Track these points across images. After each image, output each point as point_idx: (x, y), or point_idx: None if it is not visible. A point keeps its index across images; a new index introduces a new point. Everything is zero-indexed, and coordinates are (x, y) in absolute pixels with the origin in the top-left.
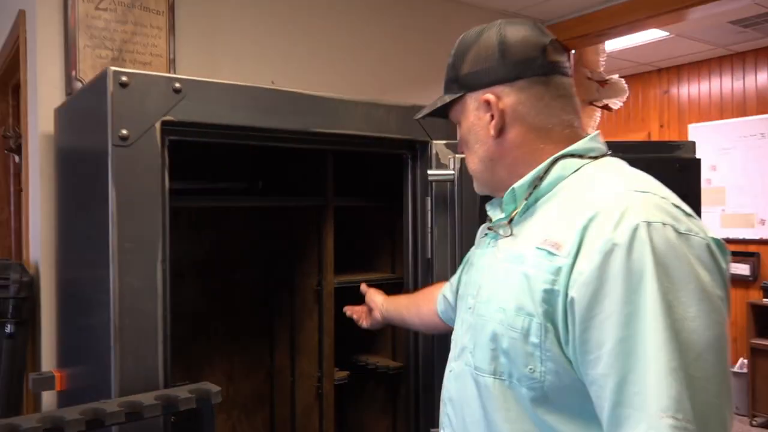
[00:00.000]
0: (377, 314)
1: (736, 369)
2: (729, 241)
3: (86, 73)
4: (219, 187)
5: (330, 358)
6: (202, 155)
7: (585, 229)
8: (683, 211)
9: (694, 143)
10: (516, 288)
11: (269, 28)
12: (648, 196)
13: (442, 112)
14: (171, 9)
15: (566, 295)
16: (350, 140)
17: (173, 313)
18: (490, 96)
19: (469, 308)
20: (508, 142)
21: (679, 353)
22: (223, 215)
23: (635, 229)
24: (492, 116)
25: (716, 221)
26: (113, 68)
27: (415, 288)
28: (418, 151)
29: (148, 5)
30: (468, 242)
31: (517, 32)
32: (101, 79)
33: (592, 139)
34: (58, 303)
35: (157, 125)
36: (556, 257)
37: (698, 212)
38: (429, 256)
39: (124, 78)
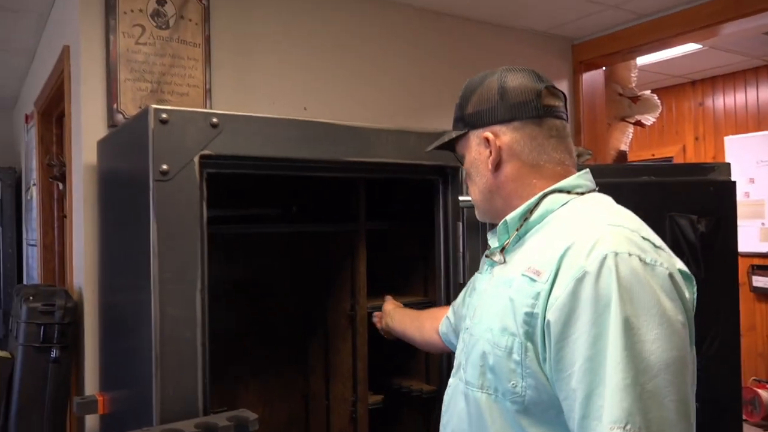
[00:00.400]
0: (383, 322)
1: None
2: None
3: (127, 105)
4: (253, 213)
5: (364, 382)
6: (237, 182)
7: (561, 258)
8: (651, 243)
9: (729, 165)
10: (502, 310)
11: (301, 56)
12: (619, 229)
13: (451, 146)
14: (207, 41)
15: (544, 317)
16: (383, 168)
17: (210, 336)
18: (489, 134)
19: (467, 329)
20: (503, 175)
21: (635, 371)
22: (257, 240)
23: (604, 259)
24: (490, 152)
25: (755, 235)
26: (154, 106)
27: None
28: (449, 177)
29: (185, 38)
30: None
31: (515, 78)
32: (142, 115)
33: (579, 177)
34: (101, 328)
35: (196, 159)
36: (536, 283)
37: (734, 232)
38: (461, 280)
39: (164, 115)
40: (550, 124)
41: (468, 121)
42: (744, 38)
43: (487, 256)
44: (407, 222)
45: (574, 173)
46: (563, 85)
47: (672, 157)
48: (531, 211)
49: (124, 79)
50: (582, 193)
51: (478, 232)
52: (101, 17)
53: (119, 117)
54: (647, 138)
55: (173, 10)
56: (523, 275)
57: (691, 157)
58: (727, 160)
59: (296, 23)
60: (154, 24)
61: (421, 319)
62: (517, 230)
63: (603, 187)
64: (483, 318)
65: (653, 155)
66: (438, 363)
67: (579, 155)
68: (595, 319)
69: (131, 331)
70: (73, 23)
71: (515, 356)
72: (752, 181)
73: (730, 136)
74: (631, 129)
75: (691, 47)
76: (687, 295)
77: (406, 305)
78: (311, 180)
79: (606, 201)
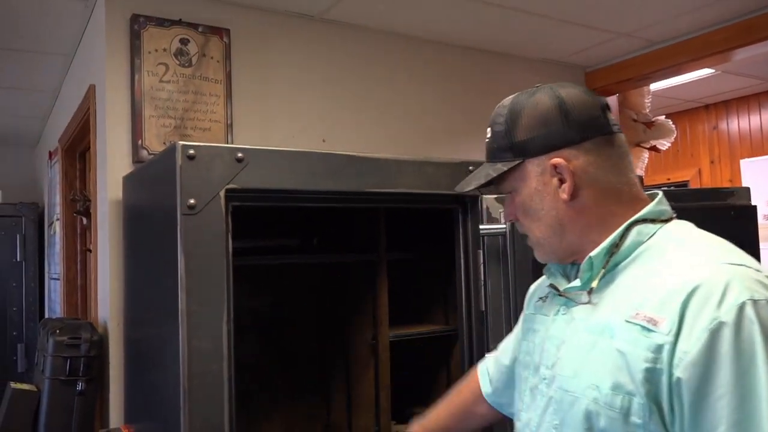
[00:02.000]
0: None
1: None
2: None
3: (151, 141)
4: (275, 244)
5: (387, 412)
6: (260, 214)
7: (684, 305)
8: None
9: (748, 189)
10: (610, 364)
11: (318, 90)
12: (743, 269)
13: (488, 183)
14: (228, 77)
15: (671, 374)
16: (403, 197)
17: (234, 366)
18: (558, 160)
19: (545, 379)
20: (580, 205)
21: None
22: (280, 271)
23: (741, 308)
24: (561, 180)
25: None
26: (181, 142)
27: (470, 340)
28: (468, 206)
29: (207, 75)
30: (522, 295)
31: (572, 93)
32: (170, 151)
33: (659, 202)
34: (126, 360)
35: (222, 193)
36: (654, 334)
37: (758, 256)
38: (483, 308)
39: (191, 151)
40: (619, 140)
41: (521, 149)
42: (756, 62)
43: (560, 295)
44: (428, 251)
45: (643, 195)
46: None
47: (688, 181)
48: (617, 244)
49: (148, 116)
50: (666, 220)
51: (499, 260)
52: (126, 57)
53: (144, 153)
54: (662, 162)
55: (196, 48)
56: (629, 322)
57: (707, 181)
58: (744, 182)
59: (313, 58)
60: (178, 62)
61: (459, 405)
62: (604, 267)
63: None
64: (580, 372)
65: (668, 179)
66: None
67: None
68: (739, 377)
69: (158, 363)
70: (98, 63)
71: (635, 419)
72: None
73: (747, 159)
74: (646, 154)
75: (703, 72)
76: None
77: (428, 335)
78: (332, 211)
79: (695, 229)
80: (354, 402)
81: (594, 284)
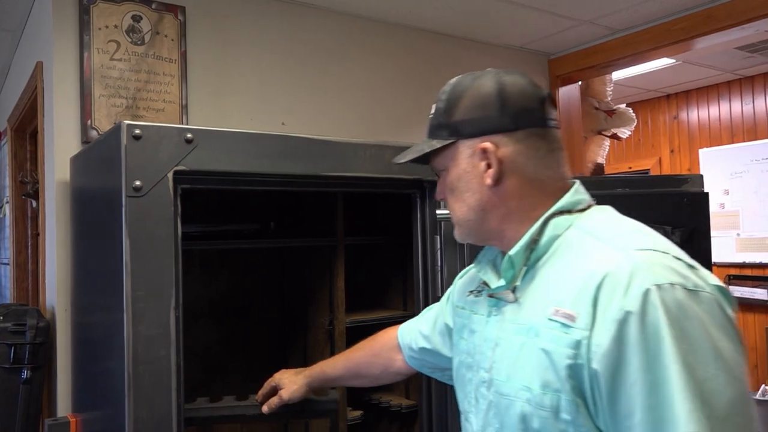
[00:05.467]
0: (285, 396)
1: (758, 396)
2: (744, 265)
3: (101, 121)
4: (231, 228)
5: (343, 398)
6: (215, 198)
7: (595, 298)
8: (686, 263)
9: (701, 177)
10: (537, 365)
11: (278, 72)
12: (650, 254)
13: (425, 158)
14: (183, 57)
15: (589, 368)
16: (360, 182)
17: (187, 353)
18: (487, 144)
19: (484, 382)
20: (503, 192)
21: (707, 418)
22: (235, 256)
23: (646, 294)
24: (488, 165)
25: (731, 246)
26: (127, 122)
27: None
28: (426, 190)
29: (161, 54)
30: None
31: (515, 82)
32: (115, 131)
33: (576, 192)
34: (73, 348)
35: (170, 175)
36: (572, 329)
37: (708, 242)
38: (439, 294)
39: (137, 131)
40: (552, 135)
41: (456, 129)
42: (717, 53)
43: (491, 296)
44: (386, 236)
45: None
46: None
47: (648, 170)
48: (535, 240)
49: (98, 95)
50: (583, 210)
51: (455, 245)
52: (75, 33)
53: (93, 133)
54: (624, 151)
55: (149, 26)
56: (550, 320)
57: (667, 169)
58: (702, 172)
59: (272, 39)
60: (130, 40)
61: (360, 367)
62: (524, 264)
63: None
64: (513, 374)
65: (630, 168)
66: (418, 378)
67: None
68: (647, 363)
69: (104, 350)
70: (46, 39)
71: (564, 415)
72: (727, 192)
73: (705, 149)
74: (607, 142)
75: (665, 62)
76: (732, 316)
77: (386, 320)
78: (290, 195)
79: (611, 216)
80: None
81: (517, 282)
